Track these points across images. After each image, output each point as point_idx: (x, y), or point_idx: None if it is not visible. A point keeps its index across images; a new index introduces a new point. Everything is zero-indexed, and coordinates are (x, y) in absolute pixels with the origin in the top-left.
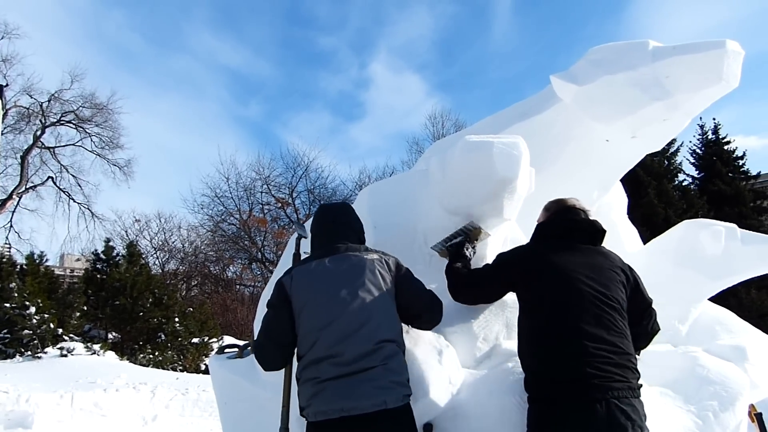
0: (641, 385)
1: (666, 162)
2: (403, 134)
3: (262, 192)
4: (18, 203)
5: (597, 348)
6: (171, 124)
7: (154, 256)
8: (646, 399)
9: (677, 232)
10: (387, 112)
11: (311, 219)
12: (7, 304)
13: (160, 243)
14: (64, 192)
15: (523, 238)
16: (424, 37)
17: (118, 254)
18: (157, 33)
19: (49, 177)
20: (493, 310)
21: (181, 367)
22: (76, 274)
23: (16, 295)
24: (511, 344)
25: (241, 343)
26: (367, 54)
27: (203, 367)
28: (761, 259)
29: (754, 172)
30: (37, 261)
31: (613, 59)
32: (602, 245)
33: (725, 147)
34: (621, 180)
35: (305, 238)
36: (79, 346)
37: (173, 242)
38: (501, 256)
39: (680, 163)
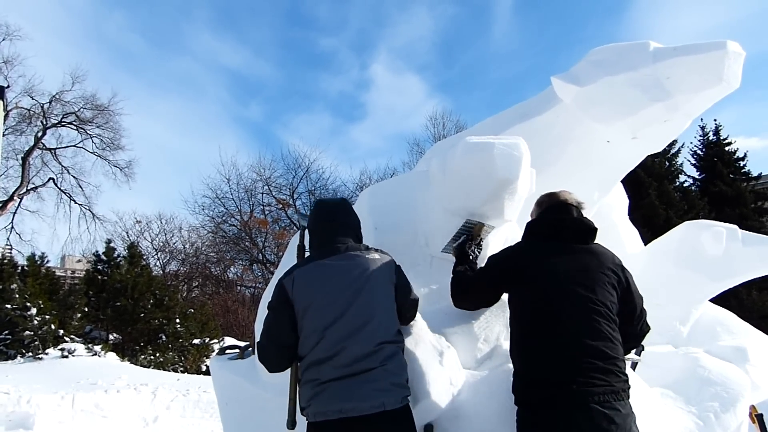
0: (629, 387)
1: (667, 163)
2: (403, 135)
3: (262, 193)
4: (19, 204)
5: (581, 353)
6: (172, 125)
7: (155, 257)
8: (646, 400)
9: (678, 233)
10: (387, 113)
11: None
12: (9, 306)
13: (161, 244)
14: (65, 193)
15: None
16: (424, 38)
17: (119, 255)
18: (158, 34)
19: (50, 178)
20: (494, 311)
21: (182, 368)
22: (77, 275)
23: (17, 296)
24: None
25: (242, 344)
26: (368, 55)
27: (204, 368)
28: (762, 260)
29: (755, 173)
30: (38, 262)
31: (614, 60)
32: (595, 242)
33: (726, 148)
34: (622, 181)
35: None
36: (80, 348)
37: (174, 243)
38: (490, 259)
39: (681, 164)
